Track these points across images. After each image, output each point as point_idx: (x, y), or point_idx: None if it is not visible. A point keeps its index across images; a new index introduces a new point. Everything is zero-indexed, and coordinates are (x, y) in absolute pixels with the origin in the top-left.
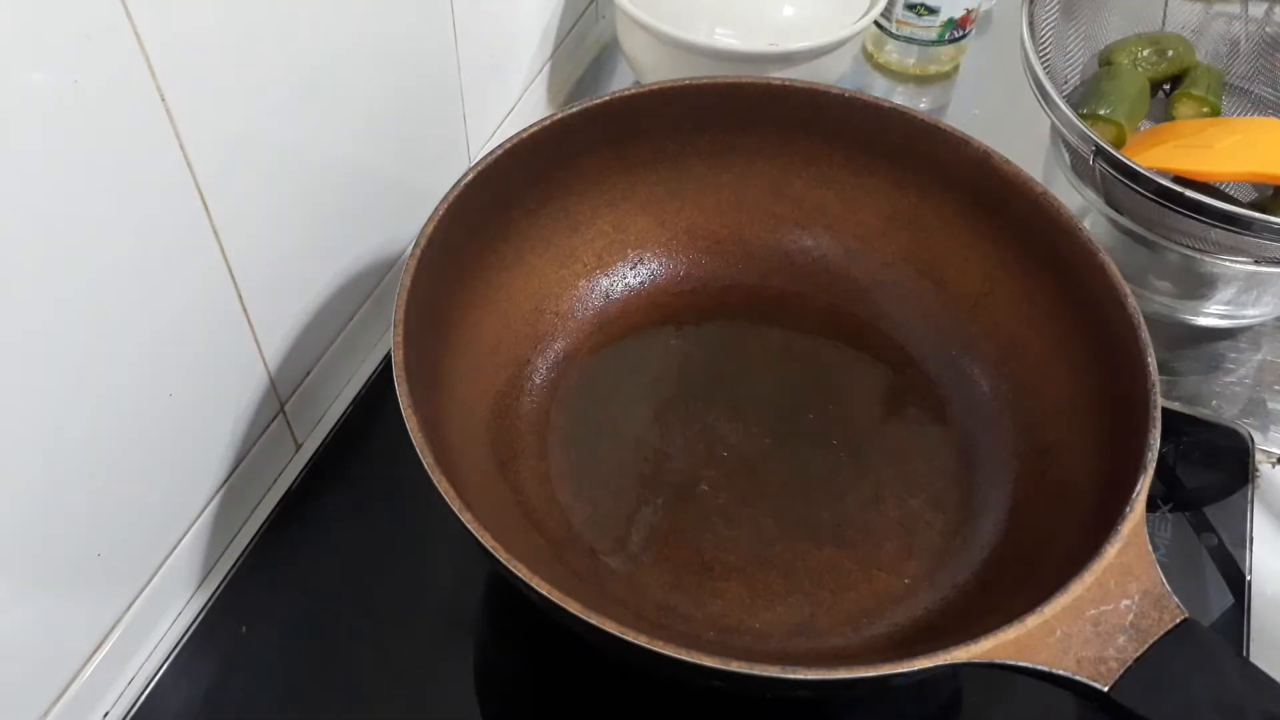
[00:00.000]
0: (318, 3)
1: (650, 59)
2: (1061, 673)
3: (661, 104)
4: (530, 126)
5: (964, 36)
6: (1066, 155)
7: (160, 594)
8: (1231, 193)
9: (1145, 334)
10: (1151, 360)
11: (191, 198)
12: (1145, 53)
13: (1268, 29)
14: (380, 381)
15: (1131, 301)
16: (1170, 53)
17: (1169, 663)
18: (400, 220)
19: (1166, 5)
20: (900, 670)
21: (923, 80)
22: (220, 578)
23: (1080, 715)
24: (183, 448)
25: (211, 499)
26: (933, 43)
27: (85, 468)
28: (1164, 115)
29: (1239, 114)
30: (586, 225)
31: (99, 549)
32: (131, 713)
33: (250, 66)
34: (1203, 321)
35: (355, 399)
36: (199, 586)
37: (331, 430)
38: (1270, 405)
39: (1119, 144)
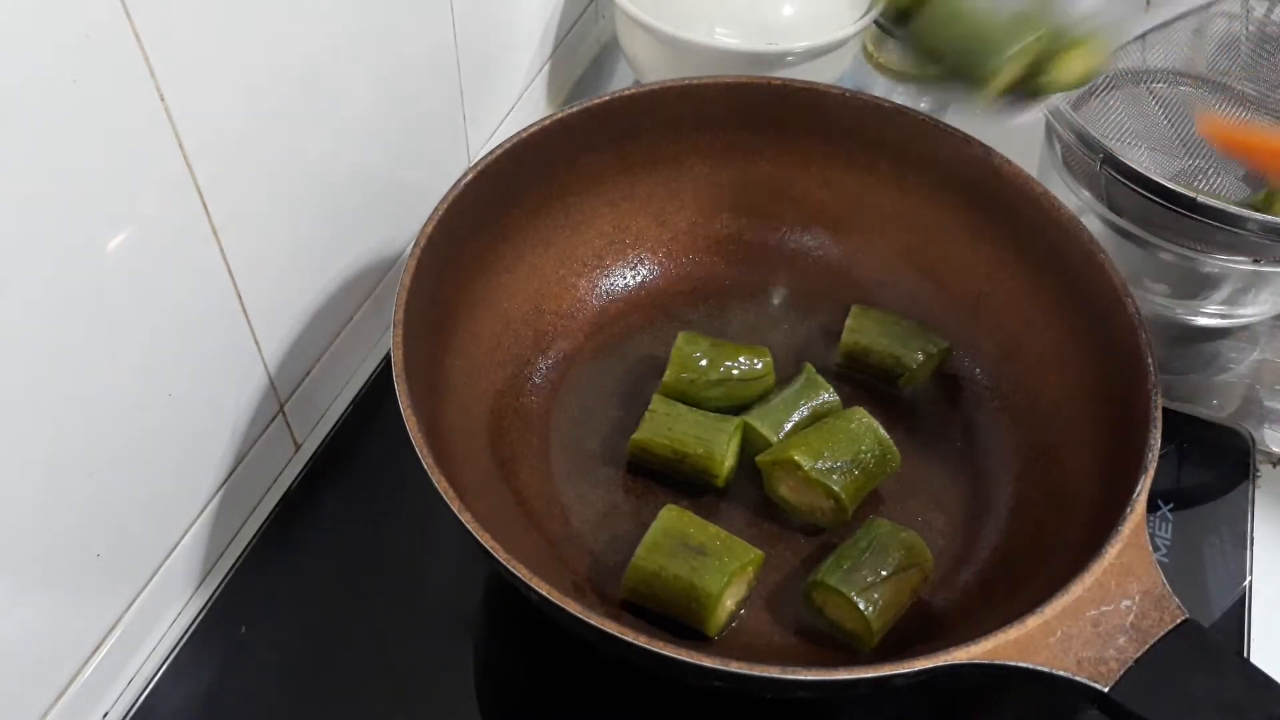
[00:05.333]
0: (317, 3)
1: (650, 59)
2: (1062, 673)
3: (661, 104)
4: (530, 126)
5: None
6: (1059, 151)
7: (160, 594)
8: (1225, 193)
9: (1146, 333)
10: (1152, 360)
11: (191, 198)
12: None
13: (1268, 29)
14: (380, 381)
15: (1132, 301)
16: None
17: (1169, 663)
18: (400, 220)
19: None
20: (900, 671)
21: (923, 80)
22: (220, 578)
23: (1081, 716)
24: (182, 448)
25: (211, 499)
26: None
27: (85, 468)
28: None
29: (1241, 116)
30: (586, 225)
31: (99, 549)
32: (131, 713)
33: (250, 67)
34: (1199, 321)
35: (355, 399)
36: (199, 586)
37: (331, 430)
38: (1269, 404)
39: None
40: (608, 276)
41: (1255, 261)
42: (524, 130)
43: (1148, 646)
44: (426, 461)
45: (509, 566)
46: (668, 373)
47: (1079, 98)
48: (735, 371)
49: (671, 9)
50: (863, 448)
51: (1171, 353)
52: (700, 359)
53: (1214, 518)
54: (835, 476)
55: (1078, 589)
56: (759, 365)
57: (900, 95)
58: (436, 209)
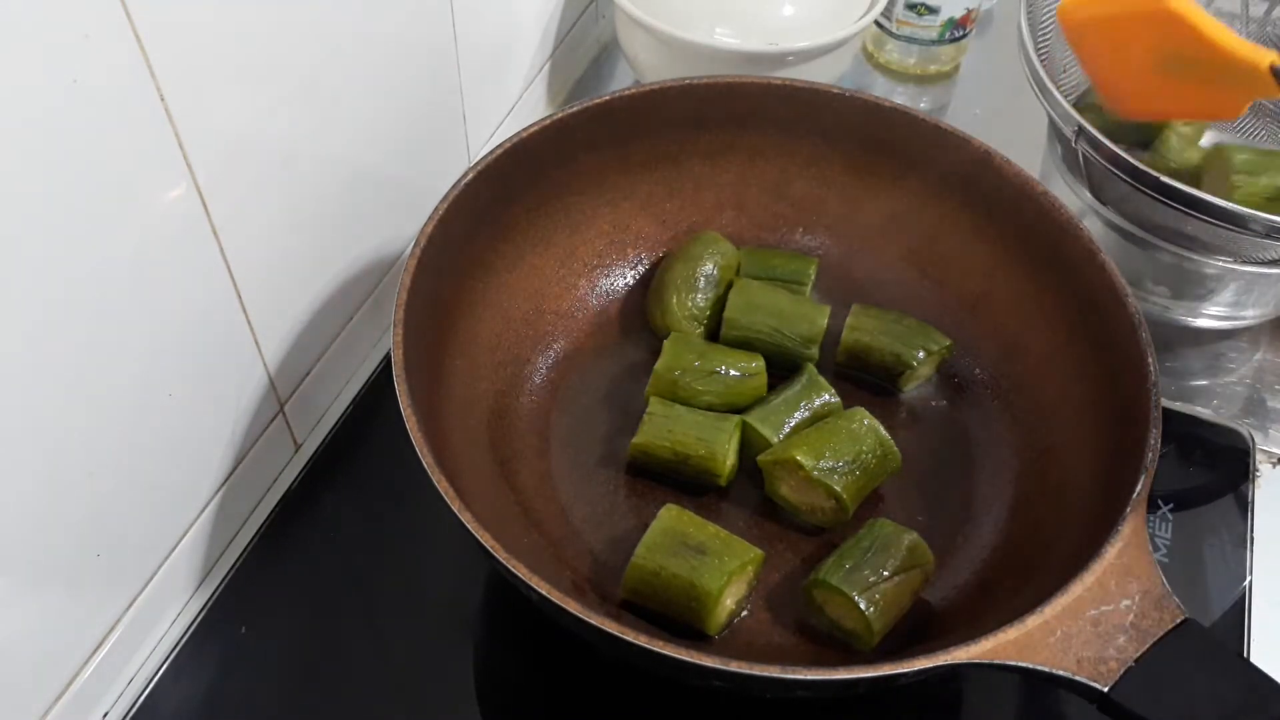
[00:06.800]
0: (317, 3)
1: (650, 59)
2: (1061, 673)
3: (661, 104)
4: (530, 126)
5: (964, 36)
6: (1059, 148)
7: (160, 594)
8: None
9: (1146, 334)
10: (1152, 360)
11: (191, 198)
12: None
13: (1268, 29)
14: (380, 381)
15: (1132, 301)
16: None
17: (1169, 663)
18: (400, 220)
19: None
20: (900, 670)
21: (923, 80)
22: (220, 578)
23: (1080, 715)
24: (182, 448)
25: (211, 499)
26: (933, 42)
27: (85, 468)
28: None
29: (1237, 119)
30: (586, 225)
31: (99, 549)
32: (131, 712)
33: (250, 67)
34: (1201, 322)
35: (355, 399)
36: (199, 586)
37: (331, 430)
38: (1270, 405)
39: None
40: (608, 276)
41: (1254, 262)
42: (524, 130)
43: (1148, 646)
44: (426, 461)
45: (509, 566)
46: (659, 364)
47: (1082, 95)
48: (725, 370)
49: (671, 9)
50: (864, 448)
51: (1172, 353)
52: (692, 358)
53: (1214, 518)
54: (837, 477)
55: (1078, 589)
56: (753, 365)
57: (900, 95)
58: (436, 209)
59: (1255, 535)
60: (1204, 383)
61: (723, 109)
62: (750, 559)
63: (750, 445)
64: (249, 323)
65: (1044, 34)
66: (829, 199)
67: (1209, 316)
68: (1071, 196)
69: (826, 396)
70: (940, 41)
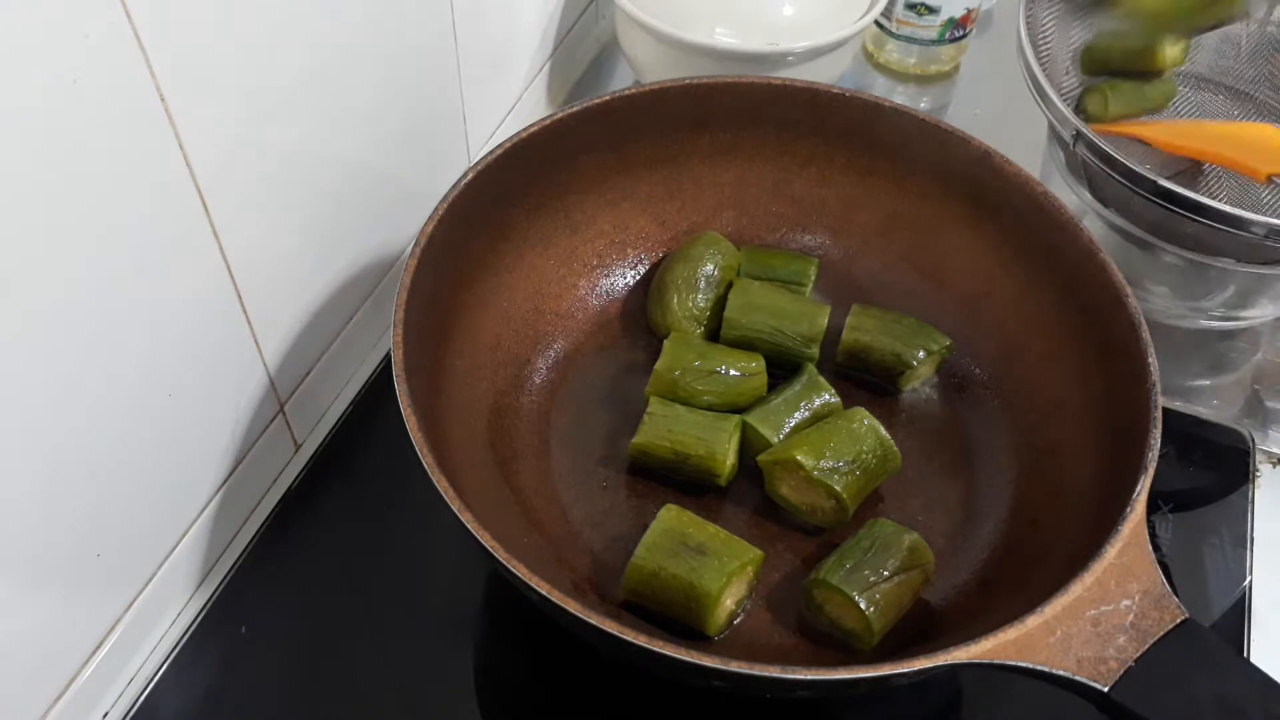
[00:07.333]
0: (317, 4)
1: (650, 59)
2: (1061, 673)
3: (661, 104)
4: (530, 126)
5: (964, 36)
6: (1061, 154)
7: (160, 594)
8: (1226, 195)
9: (1146, 333)
10: (1152, 360)
11: (191, 198)
12: None
13: (1269, 29)
14: (380, 381)
15: (1132, 301)
16: None
17: (1169, 663)
18: (400, 220)
19: None
20: (900, 670)
21: (923, 80)
22: (220, 578)
23: (1080, 715)
24: (182, 448)
25: (211, 499)
26: (933, 42)
27: (85, 468)
28: None
29: (1241, 118)
30: (586, 225)
31: (99, 549)
32: (131, 713)
33: (250, 67)
34: (1201, 323)
35: (355, 399)
36: (199, 587)
37: (331, 430)
38: (1270, 405)
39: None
40: (608, 276)
41: (1255, 262)
42: (524, 130)
43: (1148, 646)
44: (427, 461)
45: (509, 566)
46: (658, 364)
47: (1080, 95)
48: (725, 370)
49: (671, 9)
50: (864, 448)
51: (1172, 353)
52: (692, 358)
53: (1214, 518)
54: (837, 477)
55: (1078, 589)
56: (753, 365)
57: (900, 95)
58: (436, 209)
59: (1255, 535)
60: (1204, 383)
61: (723, 109)
62: (750, 559)
63: (750, 445)
64: (249, 323)
65: (1044, 38)
66: (829, 199)
67: (1209, 316)
68: (1071, 196)
69: (826, 396)
70: (940, 41)
